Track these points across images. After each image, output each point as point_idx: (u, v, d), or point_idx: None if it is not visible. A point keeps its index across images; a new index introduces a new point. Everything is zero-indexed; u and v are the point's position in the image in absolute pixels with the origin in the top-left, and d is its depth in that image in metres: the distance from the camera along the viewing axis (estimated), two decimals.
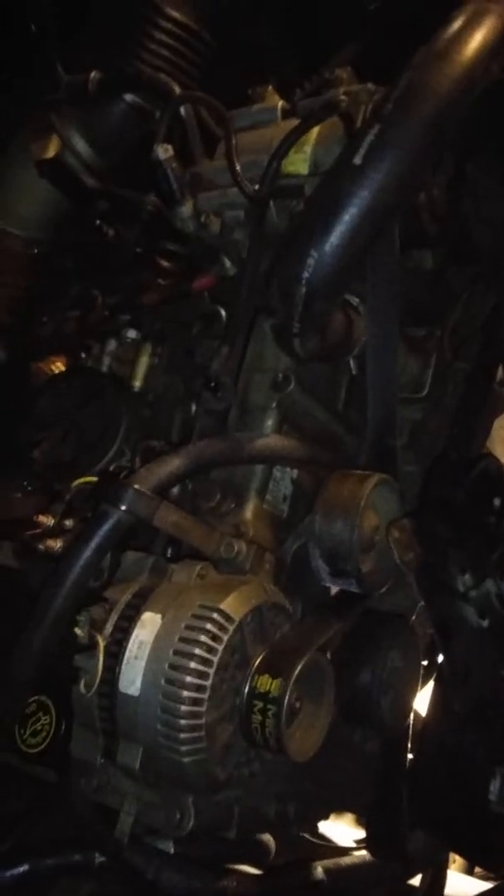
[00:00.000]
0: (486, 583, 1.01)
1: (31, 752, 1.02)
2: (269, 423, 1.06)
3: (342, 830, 1.55)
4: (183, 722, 0.78)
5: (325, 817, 1.17)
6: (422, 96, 0.81)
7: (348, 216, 0.82)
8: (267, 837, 1.06)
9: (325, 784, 1.04)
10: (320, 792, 1.05)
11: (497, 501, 1.12)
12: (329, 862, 1.16)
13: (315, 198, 0.89)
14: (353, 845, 1.41)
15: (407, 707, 1.03)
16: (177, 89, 1.12)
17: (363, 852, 1.24)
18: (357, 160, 0.81)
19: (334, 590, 1.00)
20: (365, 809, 1.14)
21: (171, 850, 0.92)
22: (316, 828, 1.40)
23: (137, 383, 1.26)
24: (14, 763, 1.02)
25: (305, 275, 0.84)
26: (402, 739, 1.05)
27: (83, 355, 1.33)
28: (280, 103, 1.12)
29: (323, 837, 1.42)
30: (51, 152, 1.25)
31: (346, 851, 1.34)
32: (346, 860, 1.21)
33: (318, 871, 1.04)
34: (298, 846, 1.22)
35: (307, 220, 0.87)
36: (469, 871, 1.76)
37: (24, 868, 1.01)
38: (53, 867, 1.00)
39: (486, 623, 0.95)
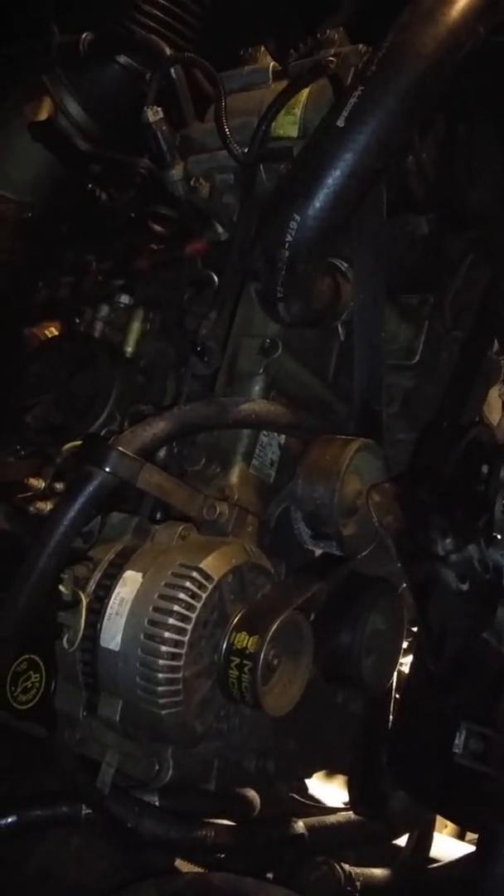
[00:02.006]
0: (469, 548, 1.02)
1: (22, 709, 1.05)
2: (257, 388, 1.06)
3: (332, 792, 1.58)
4: (161, 676, 0.80)
5: (308, 776, 1.19)
6: (406, 58, 0.80)
7: (331, 178, 0.82)
8: (252, 794, 1.09)
9: (306, 742, 1.06)
10: (302, 750, 1.07)
11: (485, 469, 1.13)
12: (312, 819, 1.18)
13: (298, 160, 0.88)
14: (341, 807, 1.44)
15: (389, 669, 1.05)
16: (168, 50, 1.11)
17: (349, 813, 1.27)
18: (340, 122, 0.81)
19: (318, 553, 1.01)
20: (348, 769, 1.17)
21: (157, 803, 0.95)
22: (305, 789, 1.44)
23: (129, 349, 1.26)
24: (4, 719, 1.05)
25: (288, 238, 0.84)
26: (383, 700, 1.07)
27: (76, 321, 1.34)
28: (272, 65, 1.11)
29: (312, 798, 1.45)
30: (44, 115, 1.25)
31: (332, 812, 1.36)
32: (329, 818, 1.23)
33: (299, 825, 1.06)
34: (285, 805, 1.25)
35: (290, 183, 0.86)
36: (460, 837, 1.79)
37: (12, 819, 1.04)
38: (41, 819, 1.03)
39: (465, 587, 0.96)
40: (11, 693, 1.06)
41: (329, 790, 1.58)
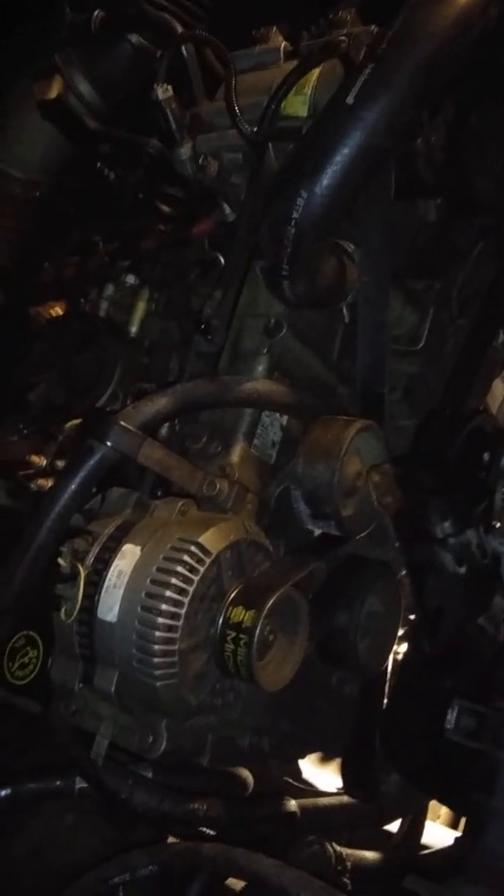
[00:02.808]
0: (468, 532, 1.02)
1: (18, 685, 1.06)
2: (260, 368, 1.07)
3: (326, 778, 1.59)
4: (157, 647, 0.81)
5: (301, 756, 1.20)
6: (416, 37, 0.80)
7: (339, 156, 0.82)
8: (245, 773, 1.09)
9: (301, 723, 1.07)
10: (296, 730, 1.07)
11: (486, 456, 1.13)
12: (305, 801, 1.19)
13: (307, 137, 0.88)
14: (335, 791, 1.44)
15: (385, 651, 1.05)
16: (179, 29, 1.11)
17: (342, 796, 1.28)
18: (349, 99, 0.81)
19: (317, 532, 1.01)
20: (342, 751, 1.17)
21: (150, 775, 0.96)
22: (299, 773, 1.44)
23: (134, 329, 1.26)
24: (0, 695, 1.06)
25: (295, 215, 0.85)
26: (378, 682, 1.07)
27: (82, 300, 1.34)
28: (283, 45, 1.11)
29: (306, 783, 1.45)
30: (53, 93, 1.25)
31: (326, 795, 1.37)
32: (322, 801, 1.24)
33: (292, 804, 1.07)
34: (279, 787, 1.26)
35: (298, 160, 0.87)
36: (454, 826, 1.80)
37: (6, 792, 1.04)
38: (35, 792, 1.03)
39: (462, 570, 0.96)
40: (8, 668, 1.07)
41: (323, 775, 1.59)
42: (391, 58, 0.80)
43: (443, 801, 0.93)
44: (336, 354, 1.20)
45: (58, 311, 1.43)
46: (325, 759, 1.52)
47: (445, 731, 0.75)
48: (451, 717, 0.75)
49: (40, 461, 1.20)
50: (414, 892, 0.63)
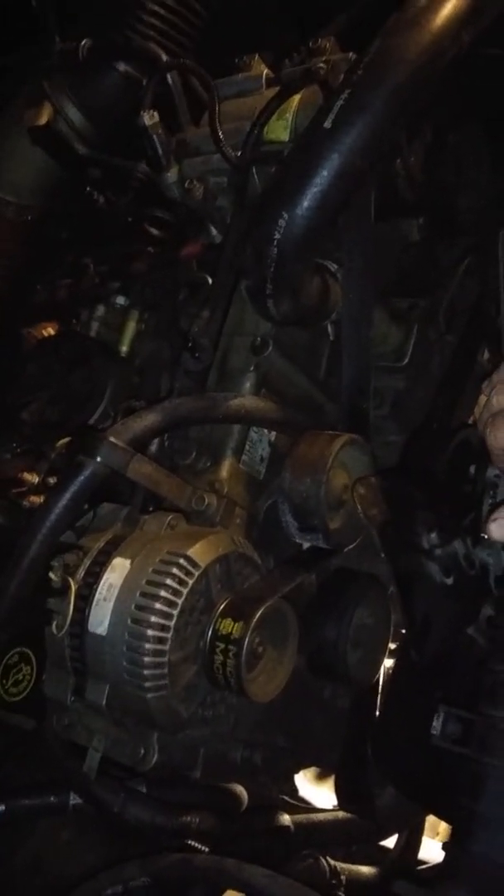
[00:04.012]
0: (455, 544, 1.04)
1: (12, 701, 1.07)
2: (248, 385, 1.09)
3: (323, 796, 1.59)
4: (147, 659, 0.82)
5: (296, 771, 1.20)
6: (391, 63, 0.83)
7: (318, 178, 0.84)
8: (239, 789, 1.10)
9: (293, 737, 1.08)
10: (289, 744, 1.08)
11: (472, 469, 1.14)
12: (300, 816, 1.19)
13: (287, 160, 0.91)
14: (331, 808, 1.44)
15: (376, 664, 1.06)
16: (164, 57, 1.14)
17: (338, 812, 1.28)
18: (327, 123, 0.84)
19: (305, 546, 1.03)
20: (336, 765, 1.18)
21: (144, 790, 0.97)
22: (295, 790, 1.44)
23: (124, 348, 1.28)
24: None
25: (277, 236, 0.87)
26: (369, 696, 1.08)
27: (73, 321, 1.37)
28: (265, 72, 1.14)
29: (302, 801, 1.45)
30: (43, 120, 1.28)
31: (321, 811, 1.37)
32: (317, 816, 1.24)
33: (285, 818, 1.07)
34: (274, 803, 1.26)
35: (279, 182, 0.89)
36: None
37: (1, 809, 1.05)
38: (30, 808, 1.04)
39: (450, 581, 0.97)
40: (3, 685, 1.08)
41: (320, 793, 1.59)
42: (367, 83, 0.83)
43: (430, 809, 0.93)
44: (323, 372, 1.22)
45: (50, 331, 1.45)
46: (322, 776, 1.52)
47: (431, 737, 0.76)
48: (437, 723, 0.76)
49: (32, 479, 1.22)
50: None
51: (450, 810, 0.69)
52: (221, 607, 0.87)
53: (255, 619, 0.84)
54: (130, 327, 1.29)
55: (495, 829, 0.66)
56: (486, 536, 1.06)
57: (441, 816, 0.81)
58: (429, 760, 0.78)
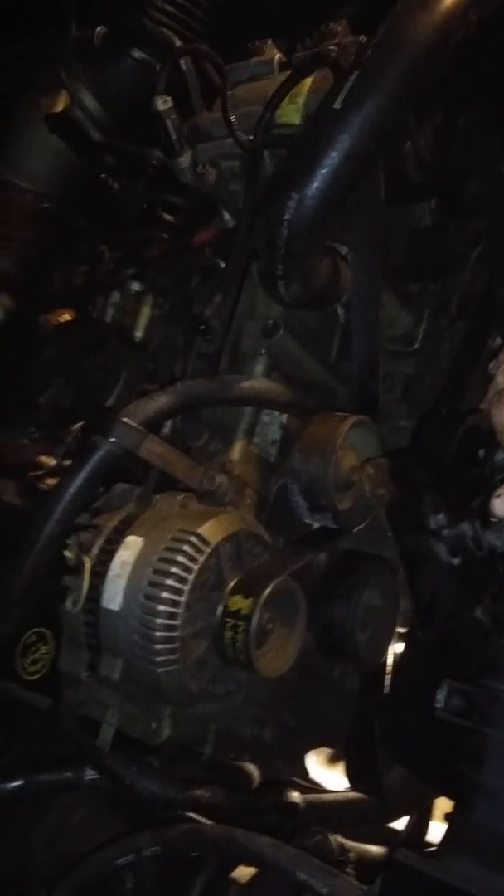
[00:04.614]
0: (462, 525, 1.05)
1: (29, 680, 1.10)
2: (259, 368, 1.10)
3: (335, 778, 1.60)
4: (158, 634, 0.83)
5: (306, 750, 1.22)
6: (399, 44, 0.84)
7: (328, 159, 0.85)
8: (251, 767, 1.12)
9: (303, 716, 1.09)
10: (299, 723, 1.09)
11: (481, 453, 1.15)
12: (310, 795, 1.21)
13: (297, 142, 0.92)
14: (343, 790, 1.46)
15: (384, 643, 1.08)
16: (177, 43, 1.15)
17: (349, 793, 1.29)
18: (337, 105, 0.84)
19: (315, 526, 1.04)
20: (344, 745, 1.19)
21: (157, 765, 0.99)
22: (306, 773, 1.46)
23: (139, 334, 1.30)
24: (12, 690, 1.10)
25: (287, 217, 0.88)
26: (378, 674, 1.09)
27: (89, 307, 1.38)
28: (277, 56, 1.15)
29: (314, 783, 1.47)
30: (59, 107, 1.30)
31: (332, 792, 1.38)
32: (326, 795, 1.26)
33: (295, 795, 1.09)
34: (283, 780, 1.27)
35: (289, 164, 0.90)
36: None
37: (18, 783, 1.07)
38: (45, 783, 1.06)
39: (457, 561, 0.98)
40: (21, 664, 1.11)
41: (331, 776, 1.60)
42: (376, 64, 0.84)
43: (435, 786, 0.95)
44: (334, 355, 1.23)
45: (66, 317, 1.47)
46: (333, 760, 1.54)
47: (435, 710, 0.78)
48: (441, 696, 0.78)
49: (49, 462, 1.24)
50: (404, 864, 0.65)
51: (453, 783, 0.70)
52: (231, 584, 0.88)
53: (263, 596, 0.85)
54: (145, 313, 1.30)
55: (497, 798, 0.67)
56: (492, 515, 1.08)
57: (446, 794, 0.82)
58: (434, 737, 0.79)
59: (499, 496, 0.75)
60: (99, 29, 1.22)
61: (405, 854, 0.66)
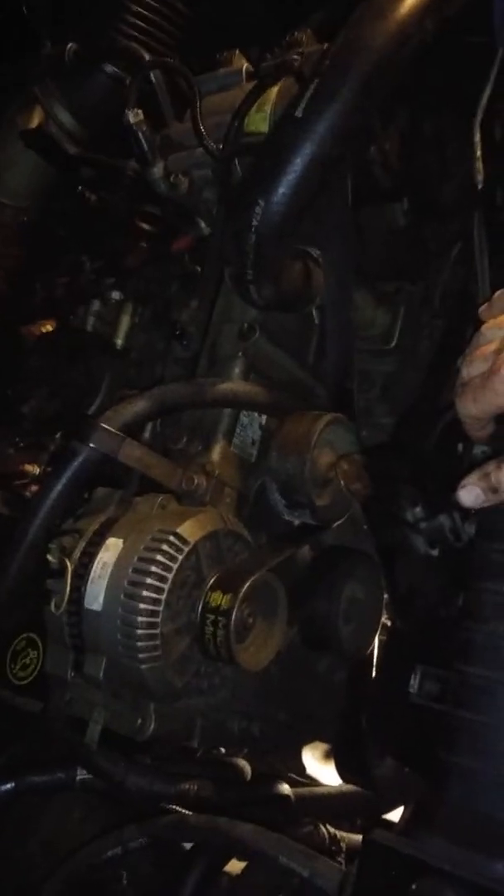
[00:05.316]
0: (440, 517, 1.07)
1: (20, 685, 1.12)
2: (237, 371, 1.12)
3: (331, 773, 1.62)
4: (140, 632, 0.85)
5: (297, 746, 1.24)
6: (356, 51, 0.86)
7: (291, 165, 0.88)
8: (243, 762, 1.13)
9: (290, 709, 1.11)
10: (287, 718, 1.11)
11: (460, 447, 1.17)
12: (301, 788, 1.22)
13: (262, 150, 0.94)
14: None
15: (369, 636, 1.10)
16: (146, 56, 1.18)
17: (342, 787, 1.31)
18: (298, 113, 0.87)
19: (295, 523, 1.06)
20: (334, 738, 1.21)
21: (147, 762, 1.01)
22: (303, 769, 1.48)
23: (120, 341, 1.32)
24: (4, 695, 1.12)
25: (254, 222, 0.90)
26: (363, 666, 1.11)
27: (70, 317, 1.41)
28: (245, 66, 1.17)
29: (310, 777, 1.49)
30: (35, 123, 1.32)
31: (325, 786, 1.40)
32: (318, 789, 1.28)
33: (285, 788, 1.11)
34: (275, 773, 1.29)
35: (255, 171, 0.92)
36: None
37: (10, 785, 1.09)
38: (38, 784, 1.08)
39: (435, 552, 1.00)
40: (11, 669, 1.13)
41: (328, 771, 1.62)
42: (334, 72, 0.86)
43: (409, 765, 0.97)
44: (312, 356, 1.25)
45: (48, 328, 1.50)
46: (329, 755, 1.55)
47: (409, 695, 0.80)
48: (415, 682, 0.80)
49: (34, 470, 1.26)
50: (380, 843, 0.67)
51: (427, 765, 0.72)
52: (211, 581, 0.90)
53: (242, 591, 0.87)
54: (125, 321, 1.33)
55: (468, 778, 0.69)
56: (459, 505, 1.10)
57: (420, 773, 0.84)
58: (414, 724, 0.81)
59: (463, 487, 0.77)
60: (70, 45, 1.25)
61: (380, 834, 0.68)
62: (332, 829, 1.12)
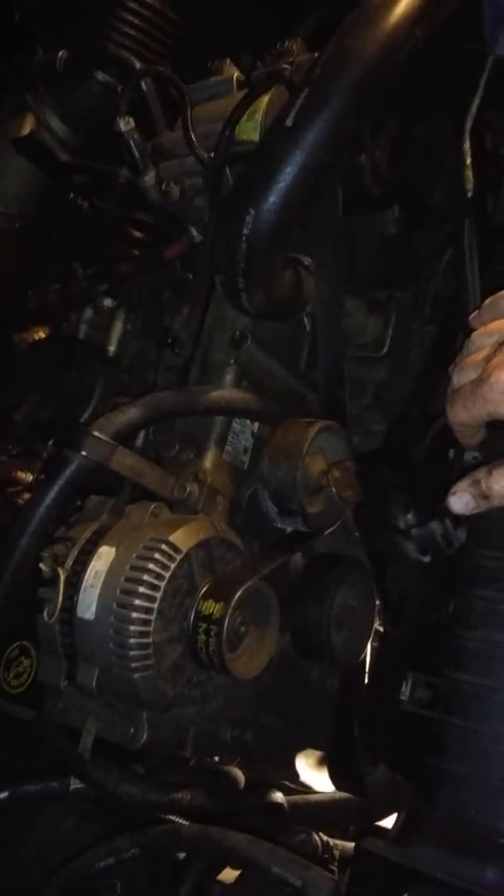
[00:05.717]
0: (432, 524, 1.07)
1: (13, 693, 1.11)
2: (228, 378, 1.12)
3: (325, 780, 1.61)
4: (132, 641, 0.85)
5: (290, 753, 1.24)
6: (346, 60, 0.87)
7: (282, 174, 0.88)
8: (236, 771, 1.13)
9: (284, 718, 1.11)
10: (280, 725, 1.11)
11: (451, 453, 1.18)
12: (294, 796, 1.22)
13: (253, 158, 0.95)
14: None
15: (361, 643, 1.10)
16: (138, 65, 1.18)
17: (335, 794, 1.31)
18: (289, 122, 0.87)
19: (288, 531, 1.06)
20: (326, 745, 1.21)
21: (140, 771, 1.00)
22: (296, 776, 1.47)
23: (112, 348, 1.32)
24: None
25: (245, 231, 0.91)
26: (356, 673, 1.11)
27: (63, 324, 1.41)
28: (235, 75, 1.18)
29: (303, 785, 1.48)
30: (26, 130, 1.33)
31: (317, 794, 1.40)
32: (312, 796, 1.27)
33: (278, 796, 1.10)
34: (268, 781, 1.29)
35: (245, 180, 0.93)
36: None
37: (3, 794, 1.09)
38: (31, 793, 1.08)
39: (426, 559, 1.00)
40: (4, 678, 1.12)
41: (322, 779, 1.62)
42: (324, 81, 0.87)
43: (400, 772, 0.97)
44: (304, 364, 1.25)
45: (41, 335, 1.50)
46: (323, 762, 1.55)
47: (400, 703, 0.80)
48: (406, 688, 0.80)
49: (27, 477, 1.25)
50: (370, 852, 0.67)
51: (418, 772, 0.72)
52: (203, 589, 0.90)
53: (235, 599, 0.87)
54: (117, 328, 1.33)
55: (459, 786, 0.69)
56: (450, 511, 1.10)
57: (411, 781, 0.84)
58: (403, 730, 0.82)
59: (454, 493, 0.78)
60: (62, 53, 1.25)
61: (371, 842, 0.68)
62: (325, 837, 1.12)
